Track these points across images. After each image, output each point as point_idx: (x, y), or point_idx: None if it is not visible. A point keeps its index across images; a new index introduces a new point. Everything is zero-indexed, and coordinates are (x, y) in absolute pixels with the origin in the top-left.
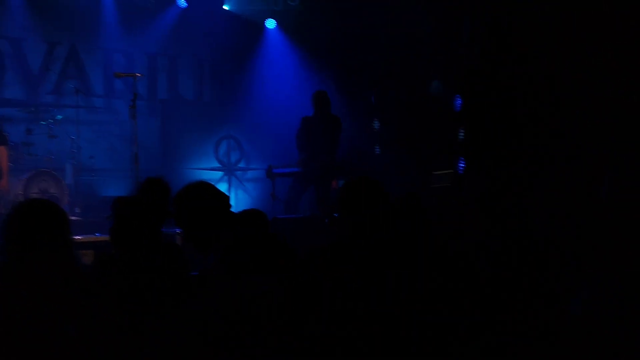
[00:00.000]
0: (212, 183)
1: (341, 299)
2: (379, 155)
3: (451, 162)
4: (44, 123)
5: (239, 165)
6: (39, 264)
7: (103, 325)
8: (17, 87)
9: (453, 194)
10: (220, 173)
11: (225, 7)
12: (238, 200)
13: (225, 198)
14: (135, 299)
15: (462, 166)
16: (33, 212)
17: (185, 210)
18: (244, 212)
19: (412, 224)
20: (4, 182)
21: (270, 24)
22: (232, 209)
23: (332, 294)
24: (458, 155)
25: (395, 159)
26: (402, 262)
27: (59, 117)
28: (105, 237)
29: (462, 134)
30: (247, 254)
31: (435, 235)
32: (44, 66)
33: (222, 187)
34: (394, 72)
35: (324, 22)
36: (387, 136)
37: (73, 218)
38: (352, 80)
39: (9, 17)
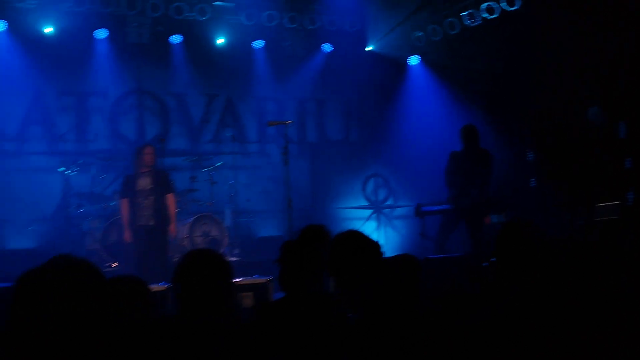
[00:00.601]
0: (362, 221)
1: None
2: (535, 189)
3: (618, 193)
4: (204, 170)
5: (387, 203)
6: (210, 313)
7: None
8: (181, 138)
9: (621, 227)
10: (368, 211)
11: (369, 48)
12: (387, 239)
13: (377, 246)
14: (297, 347)
15: (631, 197)
16: (202, 262)
17: (337, 259)
18: (395, 258)
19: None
20: (173, 227)
21: (414, 60)
22: (382, 249)
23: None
24: (626, 185)
25: (552, 191)
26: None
27: (218, 163)
28: (264, 280)
29: (629, 162)
30: (397, 303)
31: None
32: (204, 117)
33: (371, 225)
34: (547, 100)
35: (470, 55)
36: (542, 168)
37: (232, 259)
38: (502, 111)
39: (173, 75)
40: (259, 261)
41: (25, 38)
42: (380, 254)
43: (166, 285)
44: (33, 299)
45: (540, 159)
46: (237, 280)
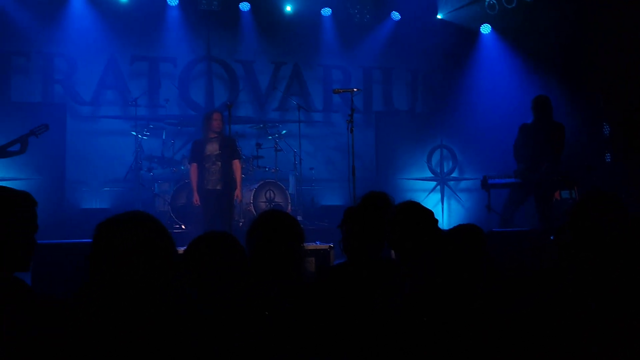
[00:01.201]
0: (426, 192)
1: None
2: (610, 164)
3: None
4: (270, 138)
5: (452, 175)
6: (280, 272)
7: (320, 337)
8: (249, 106)
9: None
10: (433, 183)
11: (439, 16)
12: (451, 211)
13: (432, 216)
14: (356, 311)
15: None
16: (277, 223)
17: (397, 230)
18: (458, 228)
19: None
20: (238, 192)
21: (486, 29)
22: (445, 219)
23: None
24: None
25: (629, 167)
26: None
27: (284, 131)
28: (325, 246)
29: None
30: (457, 273)
31: None
32: (271, 85)
33: (435, 197)
34: (624, 70)
35: (545, 23)
36: (619, 142)
37: None
38: (577, 83)
39: (242, 42)
40: (321, 229)
41: (99, 5)
42: (435, 220)
43: None
44: (110, 243)
45: (616, 132)
46: None
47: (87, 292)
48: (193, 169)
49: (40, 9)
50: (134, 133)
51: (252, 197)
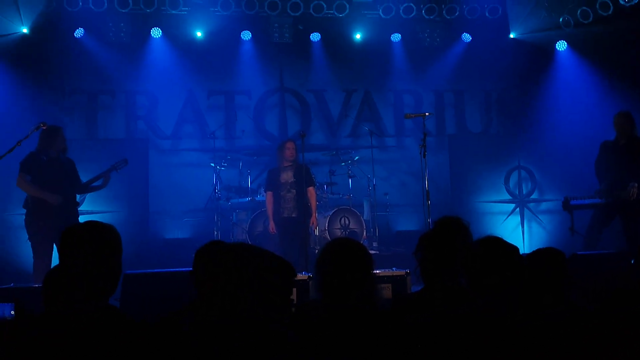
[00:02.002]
0: (504, 215)
1: None
2: None
3: None
4: (343, 164)
5: (532, 197)
6: (348, 299)
7: None
8: (321, 133)
9: None
10: (511, 205)
11: (512, 36)
12: (532, 234)
13: (514, 251)
14: (431, 338)
15: None
16: (344, 251)
17: (475, 261)
18: (538, 252)
19: None
20: (313, 219)
21: (561, 45)
22: (526, 243)
23: None
24: None
25: None
26: None
27: (356, 157)
28: (402, 272)
29: None
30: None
31: None
32: (343, 112)
33: (514, 220)
34: None
35: (624, 37)
36: None
37: (371, 252)
38: None
39: (313, 72)
40: (397, 254)
41: (178, 42)
42: (520, 257)
43: (308, 275)
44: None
45: None
46: (376, 272)
47: (191, 310)
48: (269, 197)
49: (123, 49)
50: (212, 164)
51: (327, 224)
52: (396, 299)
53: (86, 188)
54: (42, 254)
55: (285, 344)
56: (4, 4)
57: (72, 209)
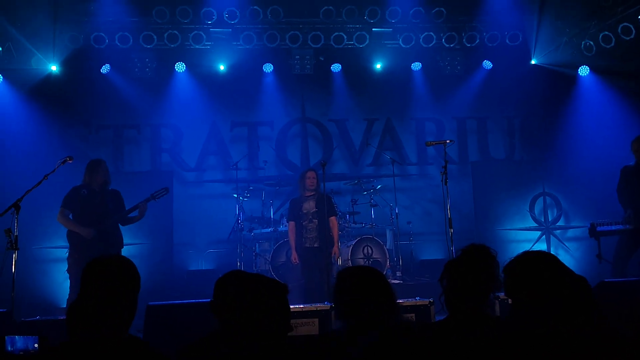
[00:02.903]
0: (530, 243)
1: None
2: None
3: None
4: (365, 193)
5: (558, 224)
6: (370, 329)
7: None
8: (343, 163)
9: None
10: (537, 233)
11: (533, 62)
12: None
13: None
14: None
15: None
16: (361, 280)
17: (515, 280)
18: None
19: None
20: (336, 248)
21: (584, 71)
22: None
23: None
24: None
25: None
26: None
27: (379, 186)
28: (425, 301)
29: None
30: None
31: None
32: (364, 141)
33: (540, 247)
34: None
35: None
36: None
37: (394, 281)
38: None
39: (334, 102)
40: (421, 284)
41: (201, 76)
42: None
43: (330, 305)
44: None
45: None
46: (400, 301)
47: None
48: (291, 227)
49: (148, 84)
50: (235, 195)
51: (349, 254)
52: (420, 327)
53: (124, 220)
54: (75, 287)
55: None
56: (41, 41)
57: (113, 240)
